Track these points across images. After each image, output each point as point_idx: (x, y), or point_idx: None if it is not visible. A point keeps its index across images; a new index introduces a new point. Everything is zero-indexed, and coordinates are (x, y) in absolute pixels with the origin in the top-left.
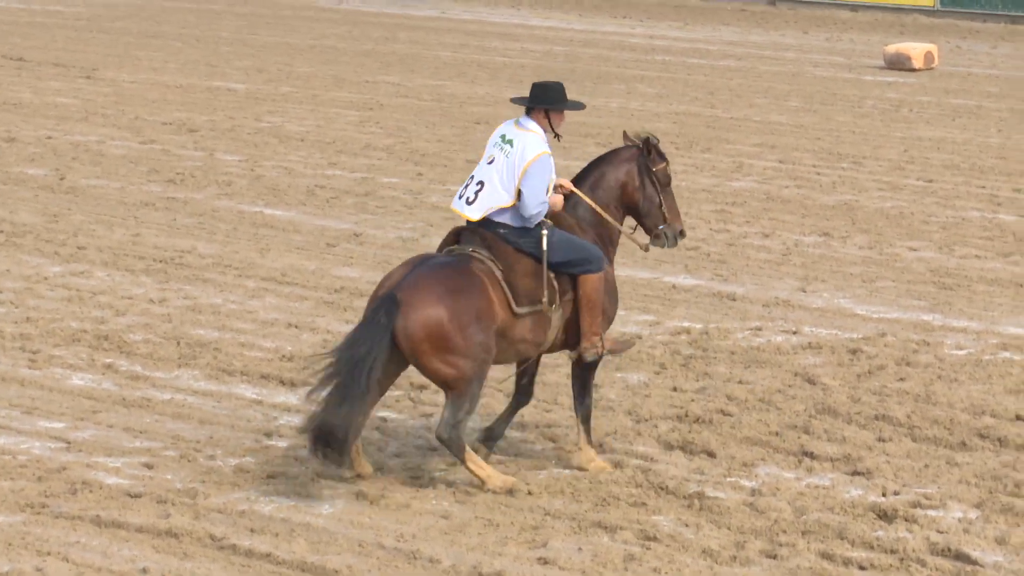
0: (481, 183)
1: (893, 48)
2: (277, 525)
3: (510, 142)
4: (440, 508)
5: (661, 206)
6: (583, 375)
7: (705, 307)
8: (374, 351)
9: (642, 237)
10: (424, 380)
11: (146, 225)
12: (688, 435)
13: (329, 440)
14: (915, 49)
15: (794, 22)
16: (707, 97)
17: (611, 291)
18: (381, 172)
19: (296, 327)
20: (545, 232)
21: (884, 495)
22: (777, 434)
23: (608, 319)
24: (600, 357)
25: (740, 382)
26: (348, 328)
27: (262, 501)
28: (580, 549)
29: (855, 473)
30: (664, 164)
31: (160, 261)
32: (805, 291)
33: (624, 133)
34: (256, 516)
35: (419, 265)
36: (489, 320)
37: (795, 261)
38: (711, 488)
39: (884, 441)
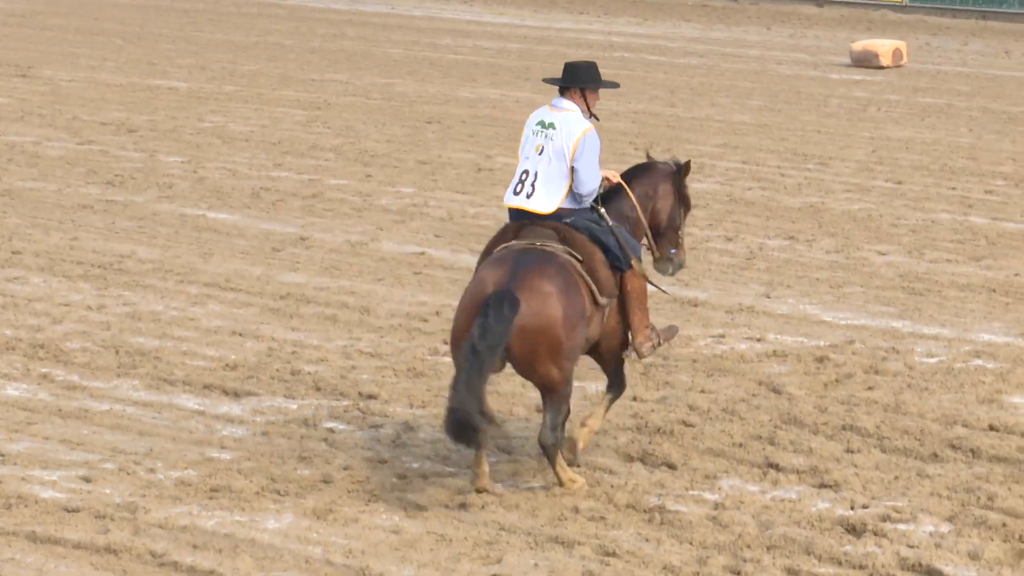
0: (536, 174)
1: (860, 45)
2: (220, 541)
3: (551, 125)
4: (390, 523)
5: (679, 231)
6: (620, 370)
7: (666, 313)
8: (499, 344)
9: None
10: (372, 390)
11: (84, 229)
12: (648, 446)
13: (466, 426)
14: (883, 46)
15: (757, 18)
16: (667, 96)
17: None
18: (329, 173)
19: (240, 335)
20: (611, 223)
21: (852, 508)
22: (741, 445)
23: None
24: (655, 350)
25: (702, 391)
26: (293, 336)
27: (204, 516)
28: (536, 565)
29: (822, 486)
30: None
31: (98, 266)
32: (770, 297)
33: (647, 153)
34: (198, 531)
35: (519, 261)
36: (587, 318)
37: (759, 266)
38: (672, 501)
39: (852, 452)
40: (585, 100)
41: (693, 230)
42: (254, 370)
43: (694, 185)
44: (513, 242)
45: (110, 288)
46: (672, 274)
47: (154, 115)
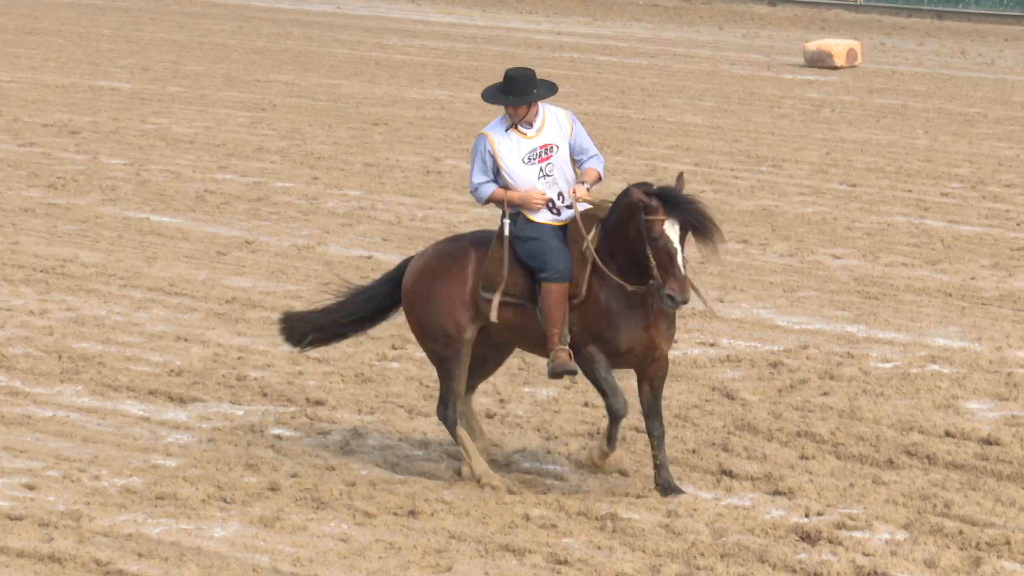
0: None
1: (814, 45)
2: (166, 549)
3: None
4: (339, 531)
5: (649, 261)
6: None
7: None
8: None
9: None
10: (320, 396)
11: (25, 233)
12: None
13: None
14: (837, 46)
15: (709, 18)
16: (618, 97)
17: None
18: (274, 176)
19: (185, 340)
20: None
21: (807, 516)
22: (694, 452)
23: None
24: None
25: None
26: (239, 341)
27: (150, 524)
28: (487, 573)
29: (776, 493)
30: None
31: (41, 271)
32: (723, 301)
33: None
34: (144, 540)
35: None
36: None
37: (712, 269)
38: (625, 509)
39: (807, 459)
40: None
41: None
42: (200, 376)
43: None
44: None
45: (52, 292)
46: (669, 307)
47: (96, 116)
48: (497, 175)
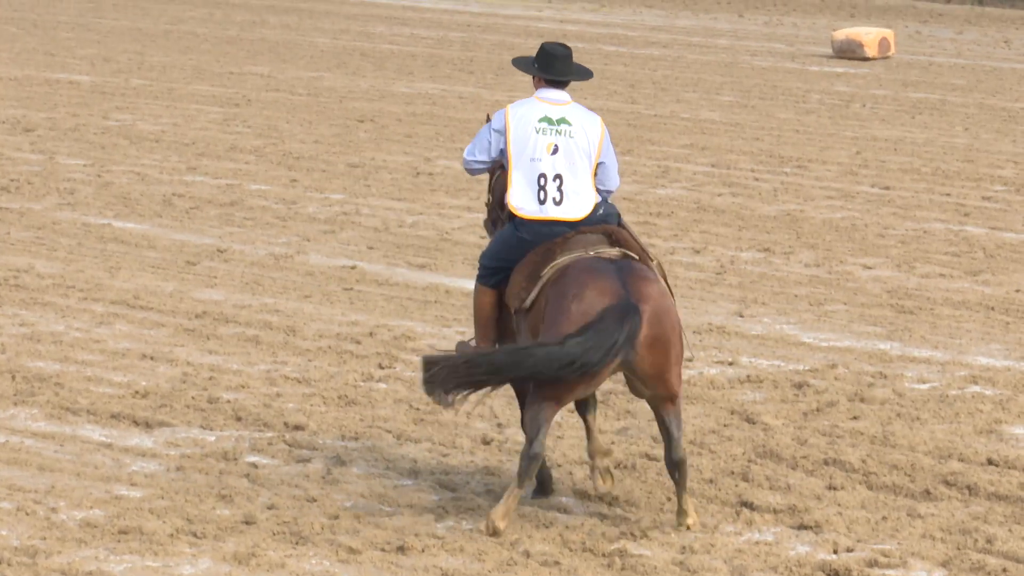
0: (559, 177)
1: (843, 33)
2: None
3: (563, 121)
4: (321, 568)
5: None
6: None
7: None
8: (603, 362)
9: None
10: (299, 420)
11: None
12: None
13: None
14: (868, 35)
15: (728, 4)
16: (627, 91)
17: None
18: (249, 178)
19: (151, 358)
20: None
21: (835, 552)
22: (711, 482)
23: None
24: None
25: None
26: (210, 359)
27: (113, 561)
28: None
29: (802, 527)
30: None
31: None
32: (743, 316)
33: None
34: None
35: (621, 270)
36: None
37: (731, 281)
38: (635, 544)
39: (835, 490)
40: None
41: (657, 241)
42: (167, 398)
43: (658, 190)
44: (575, 254)
45: (5, 306)
46: None
47: (53, 112)
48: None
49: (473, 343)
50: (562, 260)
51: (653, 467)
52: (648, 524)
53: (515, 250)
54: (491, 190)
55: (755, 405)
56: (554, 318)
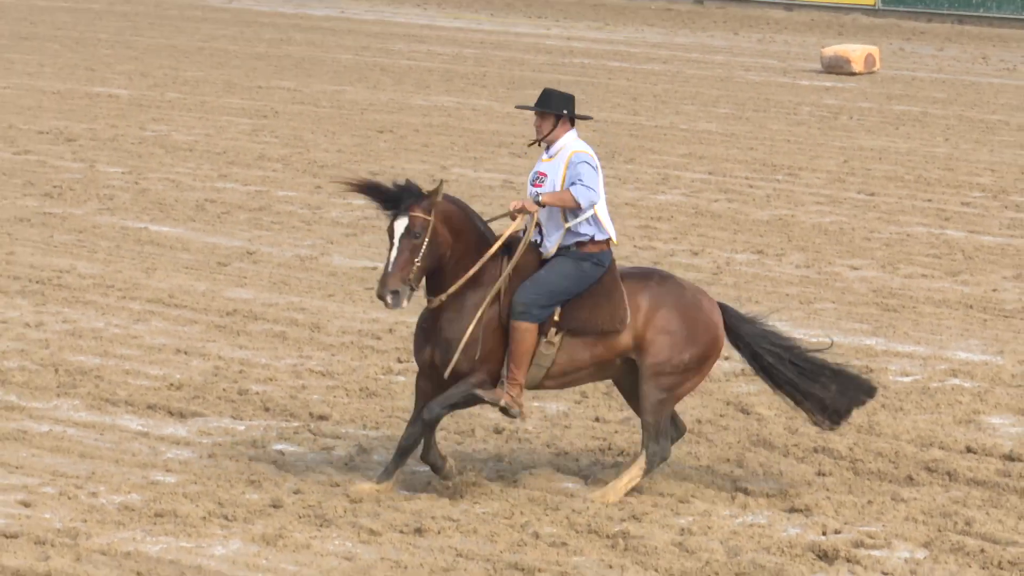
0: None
1: (831, 50)
2: (166, 568)
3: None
4: (343, 549)
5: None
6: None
7: None
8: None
9: None
10: (324, 410)
11: (21, 243)
12: (612, 469)
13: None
14: (855, 51)
15: (723, 22)
16: (630, 104)
17: None
18: (276, 185)
19: (185, 353)
20: None
21: (824, 534)
22: (708, 468)
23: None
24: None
25: None
26: (240, 354)
27: (149, 542)
28: None
29: (792, 510)
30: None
31: (37, 282)
32: None
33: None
34: (143, 558)
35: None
36: None
37: (726, 281)
38: (637, 526)
39: (824, 475)
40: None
41: (657, 244)
42: (200, 390)
43: (658, 196)
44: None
45: (49, 304)
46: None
47: (93, 123)
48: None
49: (497, 388)
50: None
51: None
52: (649, 508)
53: (586, 280)
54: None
55: (749, 397)
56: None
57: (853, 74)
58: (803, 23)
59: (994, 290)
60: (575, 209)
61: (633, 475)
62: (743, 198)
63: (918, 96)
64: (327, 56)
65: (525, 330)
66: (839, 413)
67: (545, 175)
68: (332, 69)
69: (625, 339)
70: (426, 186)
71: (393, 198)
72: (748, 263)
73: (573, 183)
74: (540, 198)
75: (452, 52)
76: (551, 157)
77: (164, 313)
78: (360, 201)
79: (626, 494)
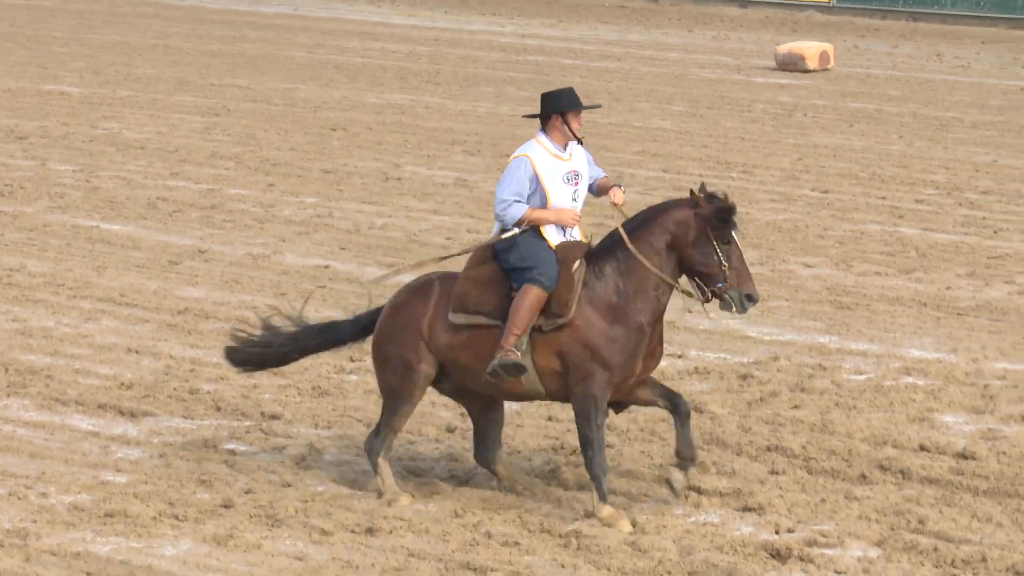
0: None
1: (785, 48)
2: (116, 568)
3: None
4: (295, 549)
5: (718, 266)
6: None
7: None
8: None
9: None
10: (275, 410)
11: None
12: (564, 468)
13: None
14: (809, 49)
15: (678, 20)
16: (584, 101)
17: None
18: (228, 183)
19: (136, 352)
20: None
21: (777, 532)
22: (661, 467)
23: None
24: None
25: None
26: (192, 353)
27: (99, 542)
28: None
29: (746, 509)
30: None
31: None
32: (691, 311)
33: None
34: (93, 558)
35: None
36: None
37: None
38: (589, 526)
39: (777, 474)
40: (568, 126)
41: None
42: (151, 389)
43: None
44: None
45: None
46: (737, 311)
47: (45, 121)
48: (531, 197)
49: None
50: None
51: (607, 454)
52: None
53: None
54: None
55: (703, 395)
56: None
57: (807, 71)
58: (757, 20)
59: (948, 288)
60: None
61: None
62: None
63: (872, 93)
64: (280, 54)
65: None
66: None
67: (578, 172)
68: (285, 67)
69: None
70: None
71: None
72: None
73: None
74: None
75: (406, 50)
76: (570, 155)
77: (115, 312)
78: (312, 199)
79: (579, 489)
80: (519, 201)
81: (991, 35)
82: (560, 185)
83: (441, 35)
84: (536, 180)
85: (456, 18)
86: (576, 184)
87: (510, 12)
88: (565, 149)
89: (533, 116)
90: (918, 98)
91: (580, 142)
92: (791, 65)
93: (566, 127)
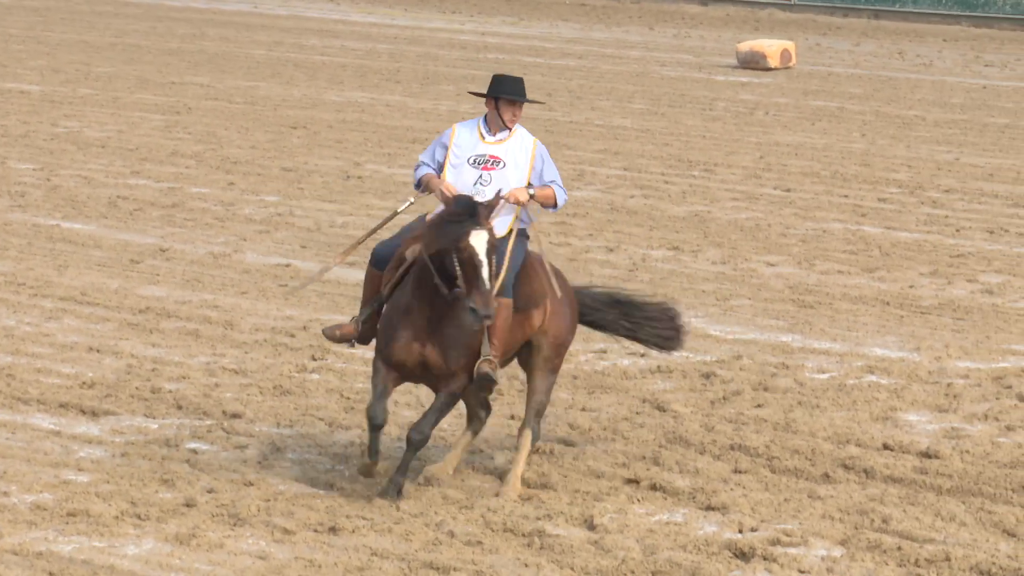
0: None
1: (747, 45)
2: (78, 568)
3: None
4: (257, 548)
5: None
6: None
7: None
8: None
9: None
10: (237, 409)
11: None
12: (527, 467)
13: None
14: (771, 46)
15: (639, 17)
16: (545, 99)
17: None
18: (189, 181)
19: (97, 351)
20: None
21: (741, 532)
22: (624, 466)
23: None
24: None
25: (583, 409)
26: (153, 352)
27: (61, 541)
28: None
29: (709, 508)
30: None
31: None
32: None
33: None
34: (55, 558)
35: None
36: None
37: (642, 277)
38: (552, 525)
39: (740, 473)
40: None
41: (572, 240)
42: (112, 388)
43: (574, 192)
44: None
45: None
46: (472, 320)
47: (4, 120)
48: (442, 167)
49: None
50: None
51: (570, 452)
52: (565, 506)
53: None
54: None
55: (665, 394)
56: None
57: (769, 69)
58: (719, 18)
59: (911, 286)
60: (551, 207)
61: (523, 460)
62: (659, 194)
63: (834, 91)
64: (240, 52)
65: (508, 306)
66: (670, 340)
67: (499, 159)
68: (245, 65)
69: (538, 318)
70: (344, 182)
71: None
72: (664, 259)
73: (553, 181)
74: (532, 191)
75: (366, 47)
76: (499, 141)
77: (76, 311)
78: (273, 198)
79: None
80: (427, 165)
81: (953, 33)
82: (464, 164)
83: (401, 33)
84: (446, 150)
85: (416, 16)
86: (488, 169)
87: (470, 10)
88: (496, 134)
89: (478, 95)
90: (880, 96)
91: (509, 131)
92: (753, 63)
93: (496, 113)
